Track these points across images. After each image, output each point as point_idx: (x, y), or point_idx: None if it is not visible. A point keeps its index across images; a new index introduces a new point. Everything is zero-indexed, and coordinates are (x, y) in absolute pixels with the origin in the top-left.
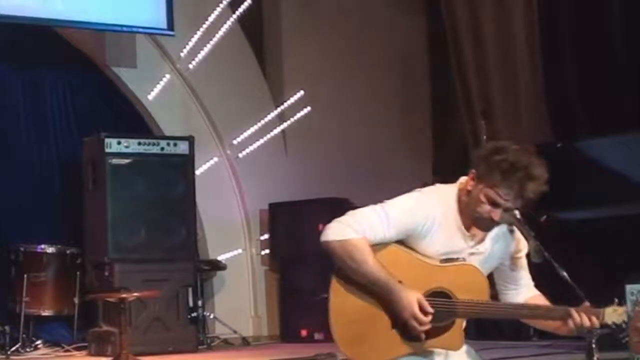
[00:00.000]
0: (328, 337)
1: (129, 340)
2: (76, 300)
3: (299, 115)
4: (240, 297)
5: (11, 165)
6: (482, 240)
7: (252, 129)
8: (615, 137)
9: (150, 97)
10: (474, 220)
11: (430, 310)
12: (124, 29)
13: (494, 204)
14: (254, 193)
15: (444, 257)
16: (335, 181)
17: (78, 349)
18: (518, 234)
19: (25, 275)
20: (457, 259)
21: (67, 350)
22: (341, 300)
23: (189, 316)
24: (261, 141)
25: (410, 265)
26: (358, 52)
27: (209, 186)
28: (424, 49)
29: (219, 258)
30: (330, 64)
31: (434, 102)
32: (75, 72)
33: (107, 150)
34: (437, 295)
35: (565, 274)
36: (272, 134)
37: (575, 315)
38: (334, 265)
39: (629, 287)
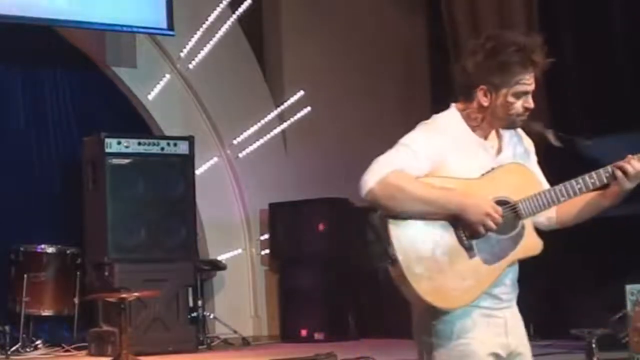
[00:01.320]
0: (327, 337)
1: (129, 340)
2: (76, 300)
3: (298, 115)
4: (240, 297)
5: (11, 165)
6: (500, 150)
7: (252, 129)
8: (615, 136)
9: (150, 97)
10: (509, 125)
11: (499, 208)
12: (124, 29)
13: (525, 94)
14: (253, 193)
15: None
16: (335, 181)
17: (78, 349)
18: (520, 131)
19: (25, 275)
20: (493, 169)
21: (67, 350)
22: (408, 250)
23: (189, 316)
24: (261, 141)
25: (458, 187)
26: (358, 53)
27: (209, 186)
28: (424, 49)
29: (219, 258)
30: (330, 64)
31: (434, 103)
32: (75, 72)
33: (107, 150)
34: (497, 205)
35: (589, 141)
36: (272, 134)
37: (626, 164)
38: (384, 216)
39: (629, 287)
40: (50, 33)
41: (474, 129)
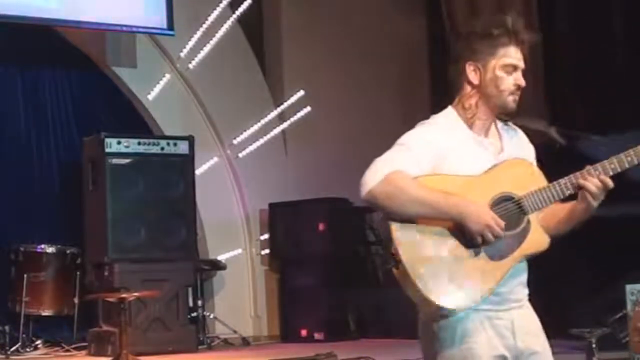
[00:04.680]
0: (327, 337)
1: (128, 340)
2: (76, 300)
3: (299, 115)
4: (240, 297)
5: (11, 165)
6: (502, 149)
7: (252, 129)
8: (614, 136)
9: (150, 97)
10: (501, 105)
11: (499, 220)
12: (124, 28)
13: (514, 68)
14: (253, 193)
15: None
16: (335, 181)
17: (78, 349)
18: (519, 132)
19: (25, 275)
20: (495, 165)
21: (67, 350)
22: (411, 251)
23: (188, 316)
24: (261, 141)
25: (460, 185)
26: (358, 53)
27: (209, 186)
28: (424, 49)
29: (219, 258)
30: (330, 64)
31: (434, 103)
32: (75, 72)
33: (107, 150)
34: (501, 202)
35: (596, 137)
36: (272, 134)
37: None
38: (387, 219)
39: (629, 287)
40: (50, 33)
41: (471, 124)
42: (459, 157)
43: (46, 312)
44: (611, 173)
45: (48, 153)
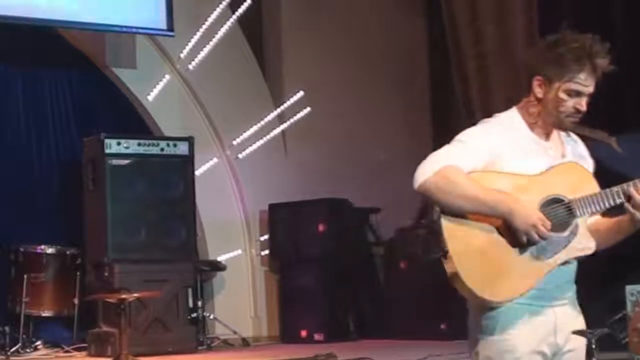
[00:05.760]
0: (327, 338)
1: (128, 340)
2: (76, 300)
3: (298, 115)
4: (240, 298)
5: (11, 165)
6: (564, 155)
7: (252, 130)
8: (613, 135)
9: (150, 97)
10: (558, 124)
11: (546, 221)
12: (124, 29)
13: (578, 94)
14: (253, 194)
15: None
16: (335, 182)
17: (78, 349)
18: (574, 137)
19: (25, 276)
20: (552, 167)
21: (67, 351)
22: (460, 244)
23: (188, 317)
24: (261, 142)
25: (511, 183)
26: (358, 53)
27: (209, 187)
28: (424, 49)
29: (219, 259)
30: (330, 64)
31: (435, 103)
32: (75, 73)
33: (107, 150)
34: (551, 203)
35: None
36: (271, 134)
37: None
38: (438, 212)
39: (629, 288)
40: (50, 34)
41: (532, 127)
42: (517, 156)
43: (46, 313)
44: None
45: (48, 153)
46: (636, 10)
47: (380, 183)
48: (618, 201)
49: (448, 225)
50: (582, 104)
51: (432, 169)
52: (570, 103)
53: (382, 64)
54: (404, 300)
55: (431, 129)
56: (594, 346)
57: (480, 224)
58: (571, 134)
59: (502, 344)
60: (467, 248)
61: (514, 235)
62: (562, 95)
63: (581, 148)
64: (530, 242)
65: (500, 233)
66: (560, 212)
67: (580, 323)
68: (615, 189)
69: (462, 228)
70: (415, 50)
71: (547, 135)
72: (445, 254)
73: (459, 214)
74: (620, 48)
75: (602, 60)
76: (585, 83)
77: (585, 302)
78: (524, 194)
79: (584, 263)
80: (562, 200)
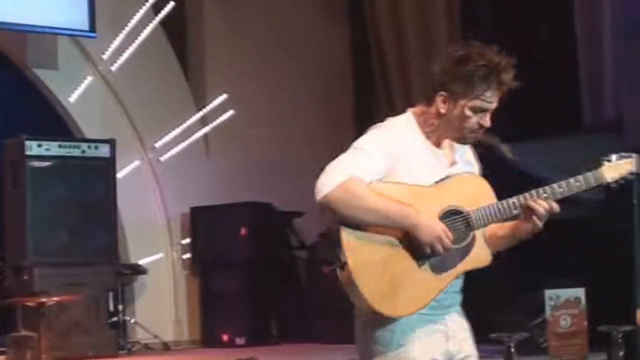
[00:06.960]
0: (249, 342)
1: (48, 345)
2: None
3: (221, 118)
4: (161, 302)
5: None
6: (454, 162)
7: (174, 133)
8: (537, 141)
9: (71, 99)
10: (460, 139)
11: (449, 233)
12: (46, 30)
13: (482, 110)
14: (175, 197)
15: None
16: (258, 185)
17: None
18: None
19: None
20: (447, 177)
21: None
22: (359, 256)
23: (109, 321)
24: (183, 145)
25: (411, 194)
26: (281, 56)
27: (130, 190)
28: (348, 56)
29: (140, 262)
30: (253, 67)
31: (358, 107)
32: None
33: (28, 152)
34: (450, 215)
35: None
36: (194, 137)
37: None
38: (337, 222)
39: (547, 292)
40: None
41: (428, 135)
42: (412, 164)
43: None
44: (559, 197)
45: None
46: (559, 13)
47: (304, 187)
48: (514, 212)
49: (347, 237)
50: (486, 119)
51: (334, 181)
52: (474, 119)
53: (307, 67)
54: (327, 304)
55: (354, 132)
56: (513, 350)
57: (381, 236)
58: None
59: (402, 355)
60: (367, 260)
61: (417, 247)
62: (468, 112)
63: (469, 153)
64: (434, 254)
65: (401, 245)
66: (458, 223)
67: (468, 329)
68: (512, 200)
69: (362, 240)
70: (339, 55)
71: (439, 143)
72: (343, 265)
73: (360, 226)
74: (544, 52)
75: (507, 76)
76: (491, 100)
77: (506, 307)
78: (423, 204)
79: (500, 269)
80: (460, 212)
